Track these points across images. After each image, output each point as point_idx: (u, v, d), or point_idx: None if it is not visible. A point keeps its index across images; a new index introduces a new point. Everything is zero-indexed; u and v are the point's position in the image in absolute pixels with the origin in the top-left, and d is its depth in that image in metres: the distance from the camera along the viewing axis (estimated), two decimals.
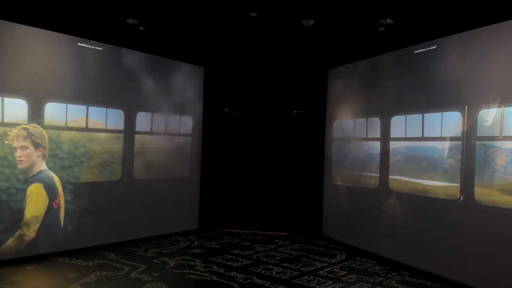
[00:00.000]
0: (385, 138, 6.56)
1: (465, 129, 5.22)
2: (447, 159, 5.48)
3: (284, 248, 7.06)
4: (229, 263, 6.06)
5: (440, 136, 5.60)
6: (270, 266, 5.95)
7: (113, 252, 6.36)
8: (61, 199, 6.10)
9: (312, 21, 5.82)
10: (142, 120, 7.22)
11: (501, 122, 4.78)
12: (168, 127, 7.66)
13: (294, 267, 5.96)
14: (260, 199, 8.38)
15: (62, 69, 6.11)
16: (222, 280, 5.28)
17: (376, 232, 6.59)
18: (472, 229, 5.05)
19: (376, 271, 5.85)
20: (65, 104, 6.13)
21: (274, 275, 5.56)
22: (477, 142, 5.04)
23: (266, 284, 5.17)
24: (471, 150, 5.11)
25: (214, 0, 5.23)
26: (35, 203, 5.80)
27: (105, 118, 6.66)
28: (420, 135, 5.93)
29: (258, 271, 5.72)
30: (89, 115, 6.45)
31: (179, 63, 7.82)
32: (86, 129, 6.39)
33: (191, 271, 5.60)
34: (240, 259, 6.27)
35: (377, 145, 6.70)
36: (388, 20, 5.64)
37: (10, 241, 5.56)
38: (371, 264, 6.22)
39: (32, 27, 5.77)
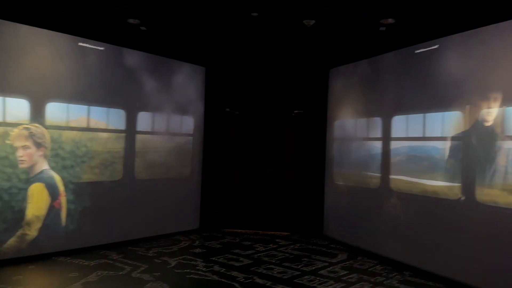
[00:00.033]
0: (386, 138, 6.56)
1: (466, 129, 5.22)
2: (448, 159, 5.48)
3: (285, 247, 7.06)
4: (230, 262, 6.07)
5: (441, 136, 5.59)
6: (271, 266, 5.95)
7: (114, 252, 6.37)
8: (63, 199, 6.11)
9: (314, 21, 5.82)
10: (144, 120, 7.23)
11: (502, 122, 4.78)
12: (170, 127, 7.67)
13: (295, 266, 5.96)
14: (261, 199, 8.38)
15: (64, 69, 6.12)
16: (223, 280, 5.28)
17: (377, 232, 6.59)
18: (473, 229, 5.05)
19: (377, 271, 5.85)
20: (66, 104, 6.15)
21: (275, 274, 5.57)
22: (479, 142, 5.04)
23: (267, 284, 5.17)
24: (473, 150, 5.11)
25: (215, 0, 5.23)
26: (36, 202, 5.82)
27: (106, 118, 6.68)
28: (421, 135, 5.93)
29: (259, 270, 5.72)
30: (91, 115, 6.46)
31: (181, 63, 7.83)
32: (88, 129, 6.40)
33: (192, 271, 5.61)
34: (241, 259, 6.27)
35: (378, 145, 6.70)
36: (389, 19, 5.64)
37: (12, 241, 5.57)
38: (372, 263, 6.22)
39: (34, 27, 5.79)
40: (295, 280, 5.35)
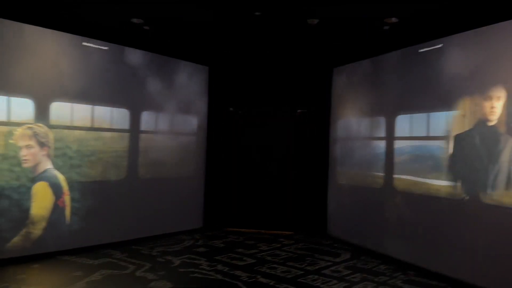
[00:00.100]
0: (390, 137, 6.54)
1: (470, 128, 5.20)
2: (452, 158, 5.46)
3: (289, 247, 7.06)
4: (233, 262, 6.07)
5: (445, 135, 5.57)
6: (274, 265, 5.95)
7: (118, 251, 6.39)
8: (67, 198, 6.13)
9: (317, 20, 5.81)
10: (147, 119, 7.24)
11: (506, 121, 4.76)
12: (173, 126, 7.68)
13: (298, 266, 5.95)
14: (264, 198, 8.37)
15: (68, 69, 6.14)
16: (226, 279, 5.28)
17: (380, 231, 6.58)
18: (477, 228, 5.03)
19: (380, 270, 5.84)
20: (70, 104, 6.16)
21: (278, 274, 5.57)
22: (481, 141, 5.02)
23: (271, 283, 5.17)
24: (476, 149, 5.09)
25: (219, 0, 5.23)
26: (40, 201, 5.84)
27: (110, 117, 6.69)
28: (425, 134, 5.91)
29: (263, 270, 5.72)
30: (95, 115, 6.48)
31: (184, 63, 7.83)
32: (92, 128, 6.42)
33: (196, 270, 5.61)
34: (245, 258, 6.28)
35: (382, 144, 6.69)
36: (393, 18, 5.62)
37: (17, 239, 5.59)
38: (375, 263, 6.21)
39: (38, 26, 5.80)
40: (298, 280, 5.35)
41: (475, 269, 5.03)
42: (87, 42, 6.35)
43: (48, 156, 5.92)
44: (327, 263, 6.16)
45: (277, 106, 8.27)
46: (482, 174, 5.00)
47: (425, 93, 5.90)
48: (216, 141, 8.35)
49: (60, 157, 6.03)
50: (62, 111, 6.06)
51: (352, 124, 7.42)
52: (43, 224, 5.87)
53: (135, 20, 6.00)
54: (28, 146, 5.69)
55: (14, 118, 5.56)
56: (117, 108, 6.77)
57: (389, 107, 6.59)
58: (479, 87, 5.11)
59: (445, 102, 5.58)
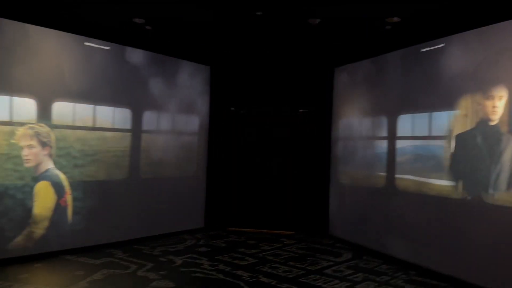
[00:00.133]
0: (391, 136, 6.53)
1: (472, 127, 5.19)
2: (454, 157, 5.45)
3: (290, 246, 7.06)
4: (235, 261, 6.07)
5: (446, 135, 5.56)
6: (276, 265, 5.95)
7: (120, 250, 6.40)
8: (68, 197, 6.14)
9: (319, 20, 5.80)
10: (149, 119, 7.25)
11: (508, 120, 4.75)
12: (175, 126, 7.69)
13: (300, 265, 5.95)
14: (266, 198, 8.38)
15: (70, 69, 6.14)
16: (228, 279, 5.29)
17: (382, 231, 6.58)
18: (479, 228, 5.02)
19: (382, 270, 5.84)
20: (72, 103, 6.17)
21: (280, 273, 5.57)
22: (483, 141, 5.01)
23: (272, 283, 5.17)
24: (478, 149, 5.08)
25: (220, 0, 5.23)
26: (42, 201, 5.85)
27: (112, 117, 6.70)
28: (427, 134, 5.90)
29: (265, 269, 5.72)
30: (97, 114, 6.49)
31: (186, 62, 7.84)
32: (94, 128, 6.43)
33: (198, 270, 5.62)
34: (246, 258, 6.28)
35: (383, 144, 6.68)
36: (395, 18, 5.61)
37: (19, 239, 5.61)
38: (377, 263, 6.20)
39: (40, 26, 5.81)
40: (300, 279, 5.35)
41: (477, 269, 5.02)
42: (89, 42, 6.36)
43: (50, 155, 5.93)
44: (328, 262, 6.16)
45: (278, 105, 8.28)
46: (484, 174, 4.99)
47: (427, 92, 5.89)
48: (218, 141, 8.35)
49: (64, 156, 6.04)
50: (64, 110, 6.07)
51: (354, 124, 7.42)
52: (45, 224, 5.89)
53: (136, 20, 6.01)
54: (29, 146, 5.70)
55: (16, 118, 5.56)
56: (119, 108, 6.78)
57: (391, 107, 6.58)
58: (481, 86, 5.10)
59: (447, 101, 5.57)
